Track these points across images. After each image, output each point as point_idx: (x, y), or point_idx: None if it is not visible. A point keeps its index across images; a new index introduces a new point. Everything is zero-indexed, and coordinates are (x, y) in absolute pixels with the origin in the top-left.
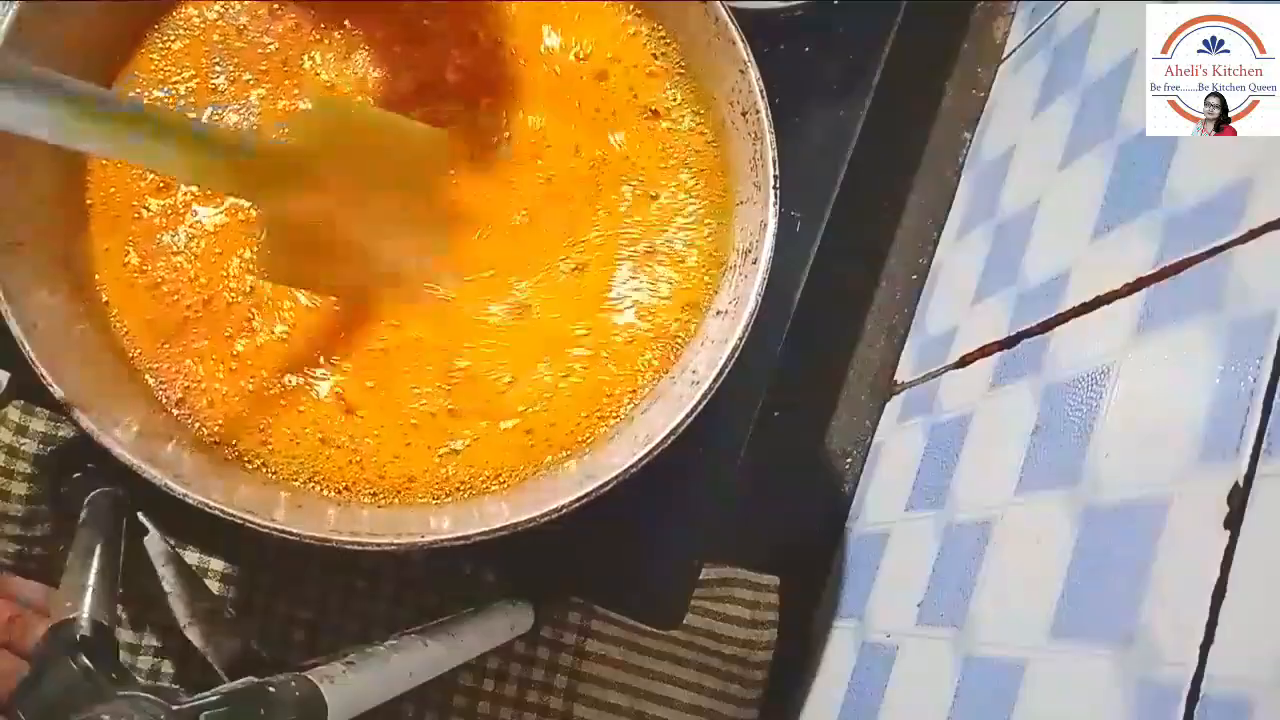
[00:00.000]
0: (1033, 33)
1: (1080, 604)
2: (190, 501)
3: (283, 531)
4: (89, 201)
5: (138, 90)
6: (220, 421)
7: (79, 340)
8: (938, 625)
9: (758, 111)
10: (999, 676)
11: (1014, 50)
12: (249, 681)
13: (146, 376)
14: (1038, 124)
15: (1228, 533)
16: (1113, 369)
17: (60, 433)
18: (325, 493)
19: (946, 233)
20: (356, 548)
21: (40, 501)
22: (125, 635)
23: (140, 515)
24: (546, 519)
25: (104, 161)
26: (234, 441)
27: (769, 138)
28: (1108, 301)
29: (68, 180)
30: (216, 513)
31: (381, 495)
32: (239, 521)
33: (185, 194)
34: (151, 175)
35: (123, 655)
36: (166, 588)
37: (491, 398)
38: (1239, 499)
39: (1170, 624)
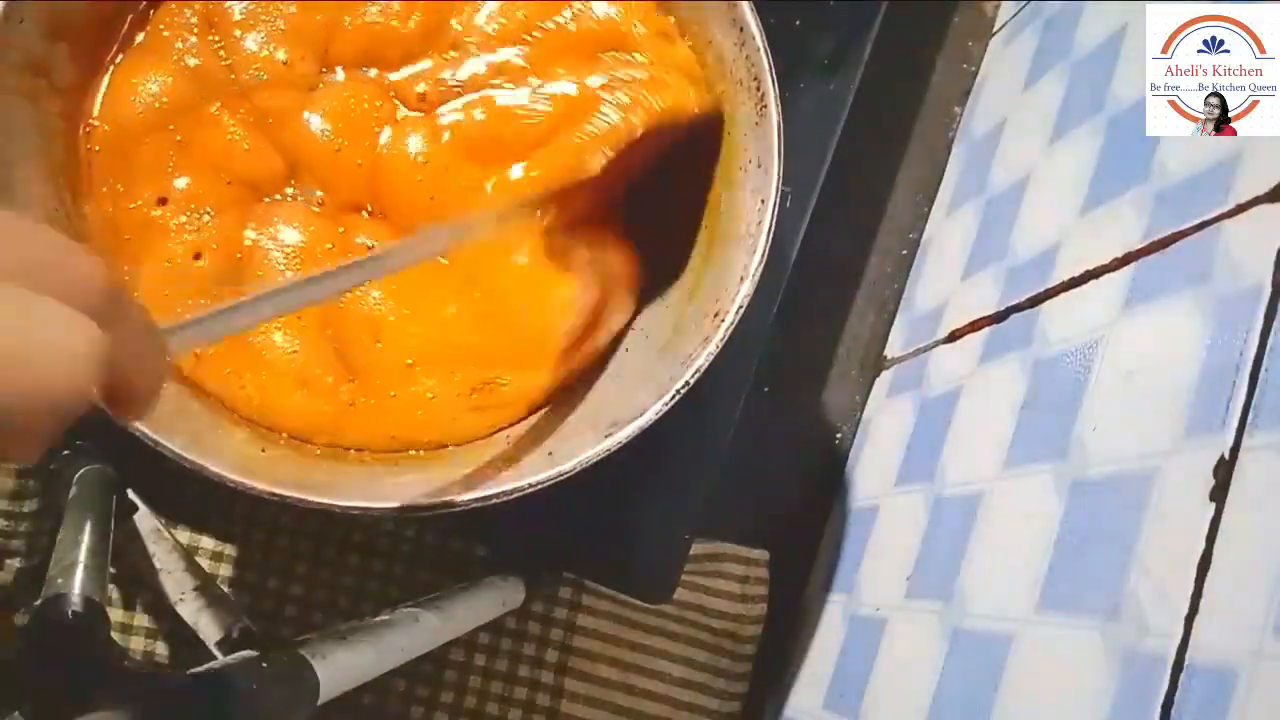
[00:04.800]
0: (1023, 7)
1: (1067, 576)
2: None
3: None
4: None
5: None
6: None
7: None
8: (926, 598)
9: (760, 87)
10: (987, 648)
11: (1004, 24)
12: (241, 656)
13: None
14: (1028, 99)
15: (1213, 505)
16: (1101, 343)
17: None
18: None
19: (936, 208)
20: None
21: (29, 477)
22: (117, 615)
23: (130, 493)
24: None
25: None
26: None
27: (775, 116)
28: (1097, 275)
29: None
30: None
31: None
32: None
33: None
34: None
35: (115, 635)
36: (157, 565)
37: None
38: (1224, 472)
39: (1156, 596)
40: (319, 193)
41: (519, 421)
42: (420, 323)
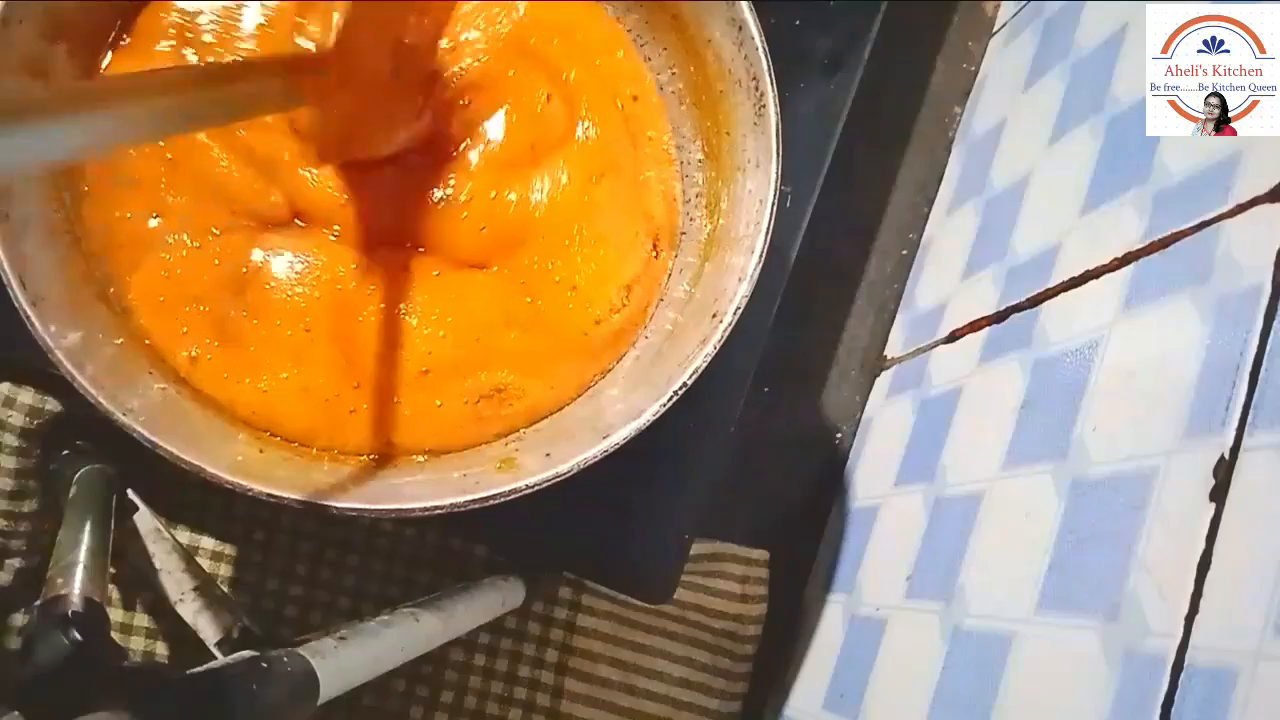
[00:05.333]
0: (1023, 7)
1: (1067, 576)
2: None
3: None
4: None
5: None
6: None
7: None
8: (927, 598)
9: (759, 87)
10: (987, 648)
11: (1004, 24)
12: (241, 657)
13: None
14: (1028, 99)
15: (1213, 505)
16: (1101, 343)
17: (47, 406)
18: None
19: (936, 208)
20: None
21: (28, 477)
22: (117, 615)
23: (130, 493)
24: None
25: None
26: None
27: (774, 116)
28: (1096, 276)
29: None
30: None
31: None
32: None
33: None
34: None
35: (115, 635)
36: (157, 565)
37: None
38: (1225, 471)
39: (1156, 595)
40: (337, 227)
41: (521, 427)
42: (449, 325)
